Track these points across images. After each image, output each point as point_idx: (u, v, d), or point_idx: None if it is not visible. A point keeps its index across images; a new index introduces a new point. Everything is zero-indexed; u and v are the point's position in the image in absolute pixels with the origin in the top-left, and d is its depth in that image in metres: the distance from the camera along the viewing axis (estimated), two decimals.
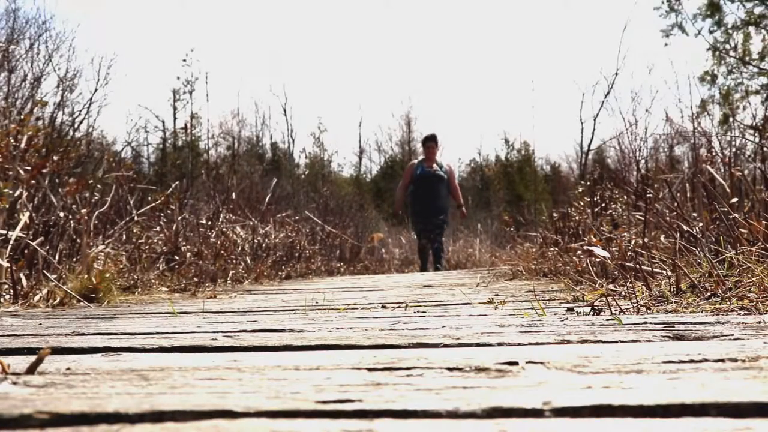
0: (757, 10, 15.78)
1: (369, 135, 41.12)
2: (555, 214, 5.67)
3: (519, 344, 1.22)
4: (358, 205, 12.52)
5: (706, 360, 0.95)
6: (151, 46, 32.81)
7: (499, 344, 1.22)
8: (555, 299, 2.61)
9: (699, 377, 0.83)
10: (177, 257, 5.07)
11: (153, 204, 5.50)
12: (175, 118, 19.49)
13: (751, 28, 15.82)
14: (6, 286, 3.09)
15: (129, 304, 3.15)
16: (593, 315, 1.87)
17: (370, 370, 0.93)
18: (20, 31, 8.25)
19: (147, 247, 4.97)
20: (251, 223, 6.90)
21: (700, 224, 3.11)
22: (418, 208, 9.13)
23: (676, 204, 3.52)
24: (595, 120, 17.53)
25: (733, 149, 4.69)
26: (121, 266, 4.17)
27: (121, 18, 31.18)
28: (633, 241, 3.38)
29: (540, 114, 40.33)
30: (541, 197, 18.41)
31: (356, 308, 2.48)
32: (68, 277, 3.34)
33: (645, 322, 1.54)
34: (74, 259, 3.83)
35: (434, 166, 9.08)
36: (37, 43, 7.96)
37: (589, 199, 5.04)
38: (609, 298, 2.06)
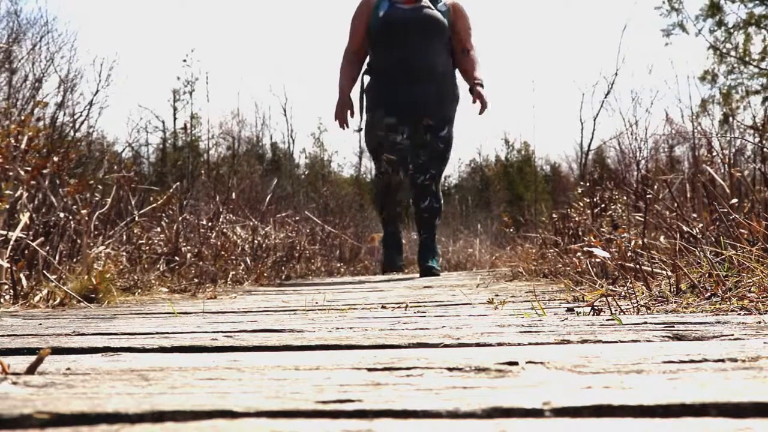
0: (758, 11, 15.80)
1: None
2: (555, 215, 5.67)
3: (519, 344, 1.22)
4: (358, 206, 12.51)
5: (706, 360, 0.95)
6: (152, 47, 32.83)
7: (499, 344, 1.22)
8: (555, 300, 2.61)
9: (699, 377, 0.83)
10: (177, 258, 5.07)
11: (154, 205, 5.50)
12: (175, 119, 19.51)
13: (752, 28, 15.84)
14: (6, 287, 3.09)
15: (129, 305, 3.15)
16: (593, 315, 1.87)
17: (370, 370, 0.93)
18: (22, 32, 8.27)
19: (147, 247, 4.97)
20: (251, 223, 6.89)
21: (700, 225, 3.11)
22: (381, 91, 4.40)
23: (676, 204, 3.52)
24: (595, 120, 17.52)
25: (733, 149, 4.70)
26: (122, 267, 4.17)
27: (121, 18, 31.22)
28: (633, 242, 3.38)
29: (540, 114, 40.29)
30: (541, 197, 18.39)
31: (356, 308, 2.48)
32: (68, 278, 3.34)
33: (645, 322, 1.54)
34: (74, 260, 3.83)
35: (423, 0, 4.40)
36: (39, 45, 7.96)
37: (588, 200, 5.03)
38: (609, 298, 2.06)
